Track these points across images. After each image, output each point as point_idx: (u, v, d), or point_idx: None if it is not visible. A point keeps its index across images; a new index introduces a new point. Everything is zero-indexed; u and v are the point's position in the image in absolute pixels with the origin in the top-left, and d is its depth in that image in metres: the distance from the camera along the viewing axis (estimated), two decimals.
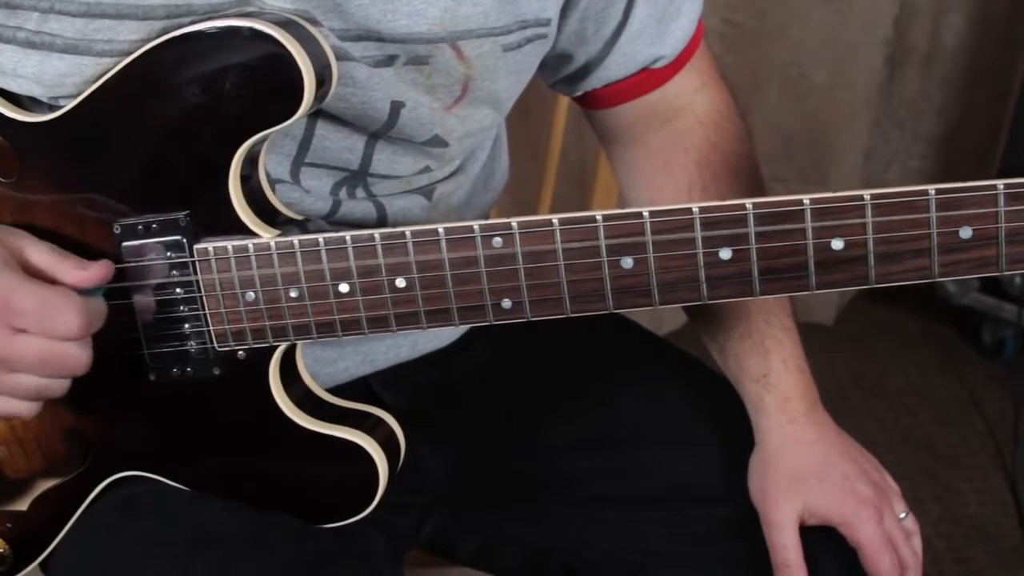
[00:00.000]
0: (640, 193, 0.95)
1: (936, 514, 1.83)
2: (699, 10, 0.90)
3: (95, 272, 0.72)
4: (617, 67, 0.88)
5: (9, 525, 0.82)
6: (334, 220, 0.83)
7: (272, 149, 0.77)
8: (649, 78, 0.90)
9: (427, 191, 0.87)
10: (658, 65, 0.89)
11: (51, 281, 0.71)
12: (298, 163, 0.80)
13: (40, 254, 0.71)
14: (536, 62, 0.84)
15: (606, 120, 0.94)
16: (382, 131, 0.79)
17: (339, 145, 0.80)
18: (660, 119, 0.93)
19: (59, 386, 0.73)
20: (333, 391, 0.82)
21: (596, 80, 0.89)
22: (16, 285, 0.68)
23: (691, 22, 0.89)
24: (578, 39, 0.86)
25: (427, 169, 0.85)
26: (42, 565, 0.84)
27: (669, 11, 0.87)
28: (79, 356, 0.71)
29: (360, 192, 0.84)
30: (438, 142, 0.82)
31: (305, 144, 0.79)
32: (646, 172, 0.94)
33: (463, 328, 0.98)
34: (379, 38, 0.74)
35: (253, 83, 0.69)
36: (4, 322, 0.68)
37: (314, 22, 0.72)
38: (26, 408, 0.73)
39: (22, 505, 0.82)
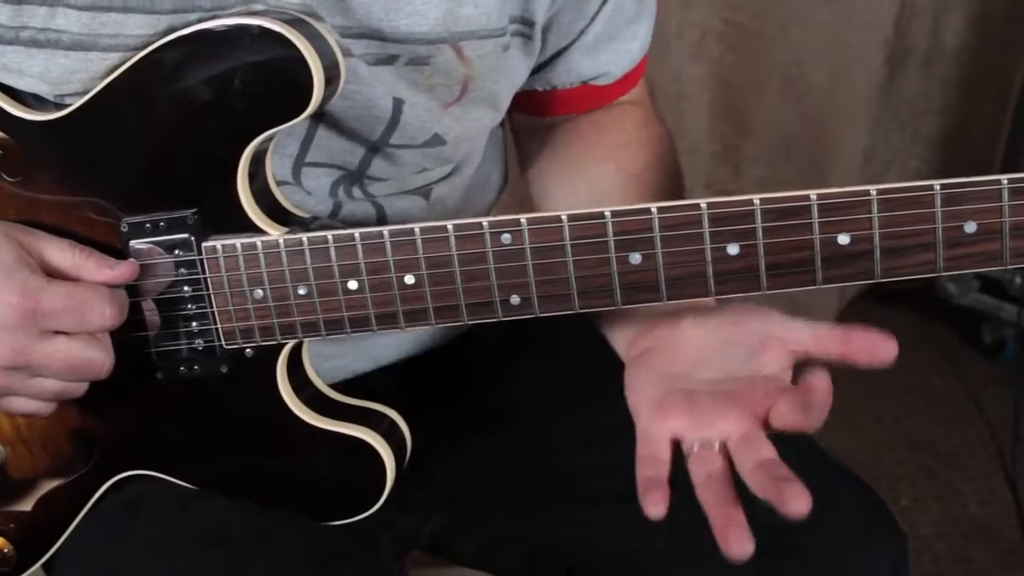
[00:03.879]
0: (554, 164, 0.93)
1: (936, 514, 1.83)
2: (648, 40, 0.90)
3: (122, 272, 0.72)
4: (559, 76, 0.89)
5: (13, 525, 0.82)
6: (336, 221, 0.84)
7: (275, 150, 0.78)
8: (589, 95, 0.90)
9: (424, 191, 0.87)
10: (599, 82, 0.90)
11: (73, 279, 0.71)
12: (299, 163, 0.80)
13: (61, 252, 0.72)
14: (523, 61, 0.84)
15: (538, 129, 0.94)
16: (384, 137, 0.79)
17: (340, 148, 0.81)
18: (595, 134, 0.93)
19: (79, 388, 0.74)
20: (334, 387, 0.82)
21: (539, 82, 0.89)
22: (42, 287, 0.69)
23: (641, 48, 0.90)
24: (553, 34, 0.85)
25: (424, 169, 0.85)
26: (45, 566, 0.84)
27: (625, 34, 0.88)
28: (103, 361, 0.72)
29: (357, 192, 0.84)
30: (437, 141, 0.82)
31: (306, 145, 0.80)
32: (569, 154, 0.93)
33: (465, 325, 0.98)
34: (381, 37, 0.74)
35: (262, 81, 0.70)
36: (34, 326, 0.68)
37: (318, 19, 0.72)
38: (45, 408, 0.74)
39: (26, 505, 0.82)
